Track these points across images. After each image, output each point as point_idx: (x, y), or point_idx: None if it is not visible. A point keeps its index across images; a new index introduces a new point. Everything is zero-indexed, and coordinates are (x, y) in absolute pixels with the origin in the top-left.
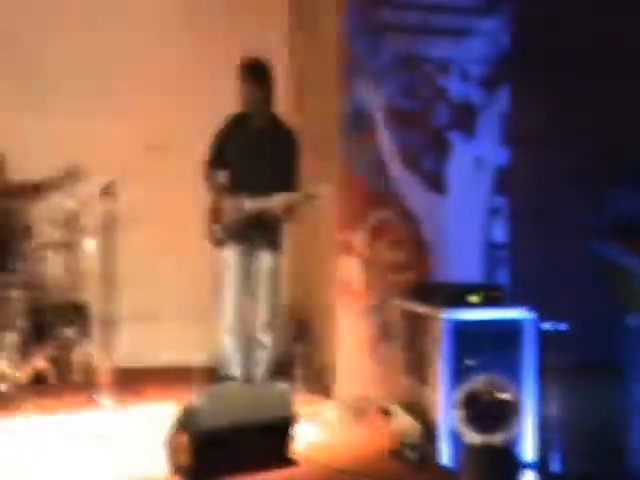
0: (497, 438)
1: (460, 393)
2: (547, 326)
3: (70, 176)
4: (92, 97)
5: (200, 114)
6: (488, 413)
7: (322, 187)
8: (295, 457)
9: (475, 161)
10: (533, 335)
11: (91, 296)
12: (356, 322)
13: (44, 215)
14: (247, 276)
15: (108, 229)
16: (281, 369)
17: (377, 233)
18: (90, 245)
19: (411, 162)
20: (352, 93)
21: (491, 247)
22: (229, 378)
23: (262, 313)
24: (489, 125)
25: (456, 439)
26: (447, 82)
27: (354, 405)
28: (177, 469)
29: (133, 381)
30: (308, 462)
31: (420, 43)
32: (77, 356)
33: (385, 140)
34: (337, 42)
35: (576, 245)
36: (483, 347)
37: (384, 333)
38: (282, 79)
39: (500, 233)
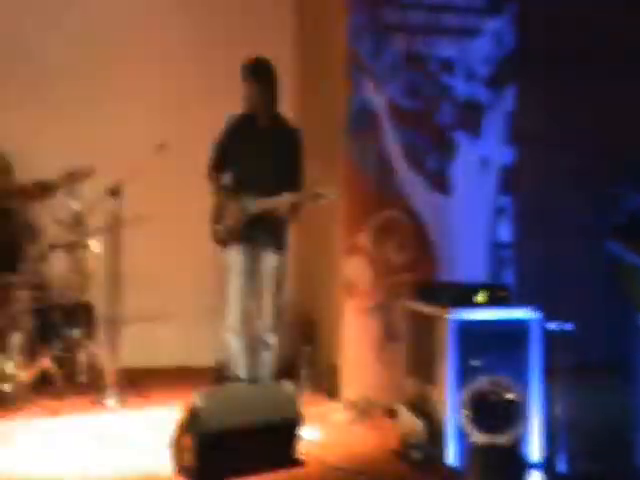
0: (503, 438)
1: (466, 393)
2: (553, 326)
3: (76, 177)
4: (98, 98)
5: (205, 115)
6: (494, 413)
7: (326, 187)
8: (300, 457)
9: (480, 161)
10: (539, 335)
11: (97, 297)
12: (362, 322)
13: (50, 216)
14: (251, 276)
15: (114, 230)
16: (286, 369)
17: (382, 233)
18: (96, 246)
19: (416, 162)
20: (356, 93)
21: (496, 247)
22: (234, 379)
23: (266, 313)
24: (494, 125)
25: (462, 439)
26: (452, 81)
27: (360, 405)
28: (181, 469)
29: (138, 381)
30: (313, 462)
31: (424, 42)
32: (82, 356)
33: (389, 140)
34: (341, 42)
35: (582, 244)
36: (489, 347)
37: (390, 333)
38: (286, 79)
39: (505, 233)
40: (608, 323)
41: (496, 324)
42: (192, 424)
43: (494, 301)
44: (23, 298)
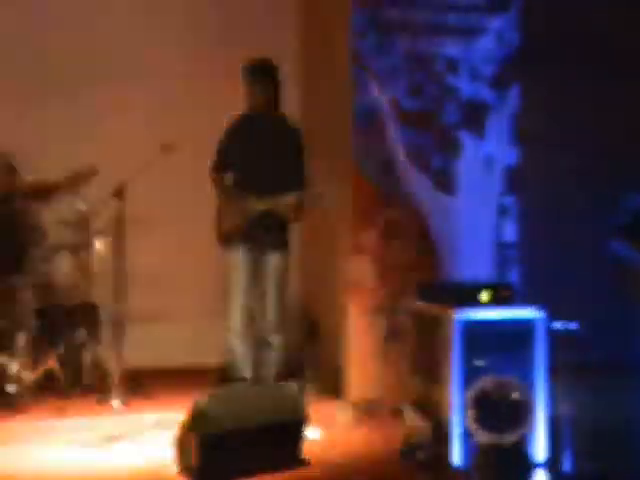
0: (508, 438)
1: (471, 393)
2: (557, 325)
3: (80, 177)
4: (103, 98)
5: (209, 115)
6: (499, 413)
7: (328, 187)
8: (305, 458)
9: (485, 160)
10: (543, 334)
11: (102, 297)
12: (366, 322)
13: (55, 216)
14: (255, 276)
15: (119, 230)
16: (291, 370)
17: (387, 233)
18: (100, 246)
19: (420, 162)
20: (360, 93)
21: (501, 246)
22: (239, 379)
23: (270, 314)
24: (499, 124)
25: (467, 439)
26: (456, 81)
27: (364, 405)
28: (185, 470)
29: (143, 382)
30: (318, 463)
31: (429, 42)
32: (87, 357)
33: (394, 140)
34: (345, 42)
35: (587, 244)
36: (493, 346)
37: (394, 333)
38: (291, 79)
39: (510, 232)
40: (613, 322)
41: (500, 324)
42: (196, 424)
43: (498, 300)
44: (28, 299)
